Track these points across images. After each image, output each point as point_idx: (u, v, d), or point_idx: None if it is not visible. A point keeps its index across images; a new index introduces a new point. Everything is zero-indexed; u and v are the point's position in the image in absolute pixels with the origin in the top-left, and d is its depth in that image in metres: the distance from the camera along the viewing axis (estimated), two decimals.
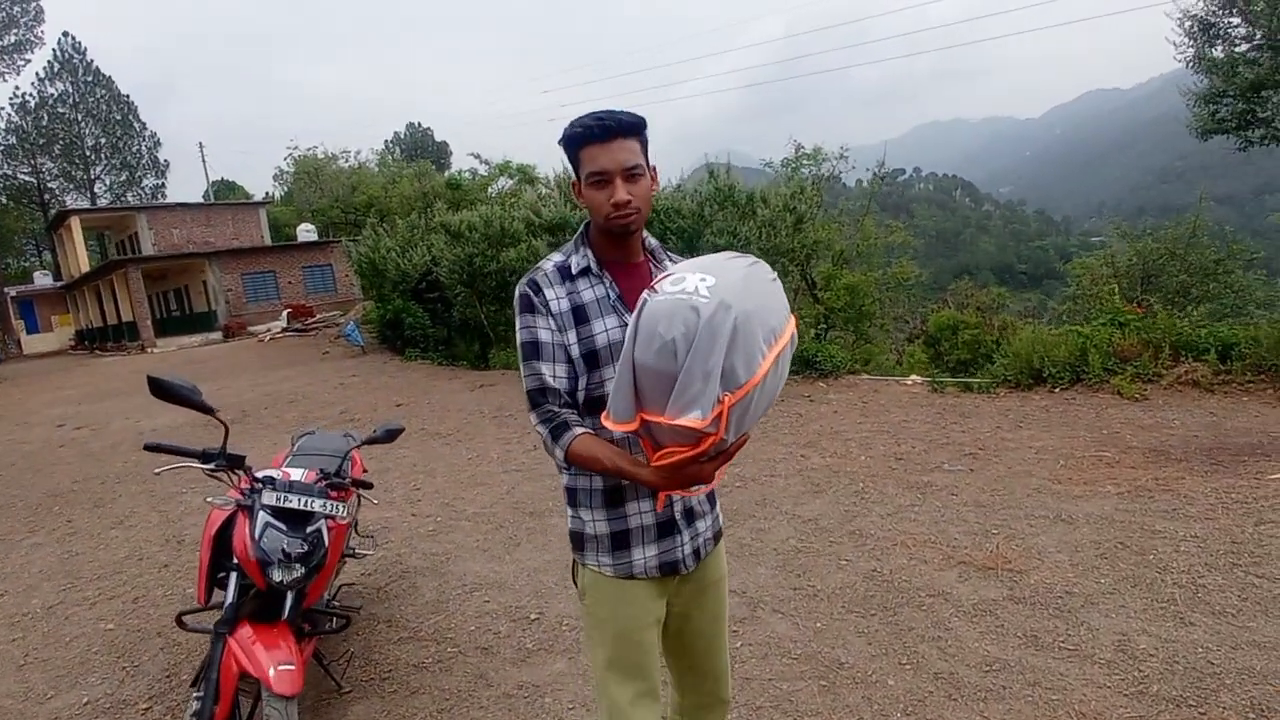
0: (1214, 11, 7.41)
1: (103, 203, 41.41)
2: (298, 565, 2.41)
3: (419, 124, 54.11)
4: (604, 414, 1.36)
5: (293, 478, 2.70)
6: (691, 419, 1.20)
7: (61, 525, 5.73)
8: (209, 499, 2.50)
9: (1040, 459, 5.16)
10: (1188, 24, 7.58)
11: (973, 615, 3.15)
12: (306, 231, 28.84)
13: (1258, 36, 7.32)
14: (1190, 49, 7.64)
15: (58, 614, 4.06)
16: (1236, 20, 7.34)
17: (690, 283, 1.26)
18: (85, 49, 44.50)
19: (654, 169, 1.56)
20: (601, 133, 1.45)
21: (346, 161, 31.01)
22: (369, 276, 16.33)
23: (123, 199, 43.52)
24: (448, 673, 3.14)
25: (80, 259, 30.76)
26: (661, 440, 1.30)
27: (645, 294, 1.32)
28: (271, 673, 2.20)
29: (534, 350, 1.51)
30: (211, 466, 2.42)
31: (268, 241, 30.75)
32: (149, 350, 23.99)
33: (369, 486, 2.98)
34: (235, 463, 2.45)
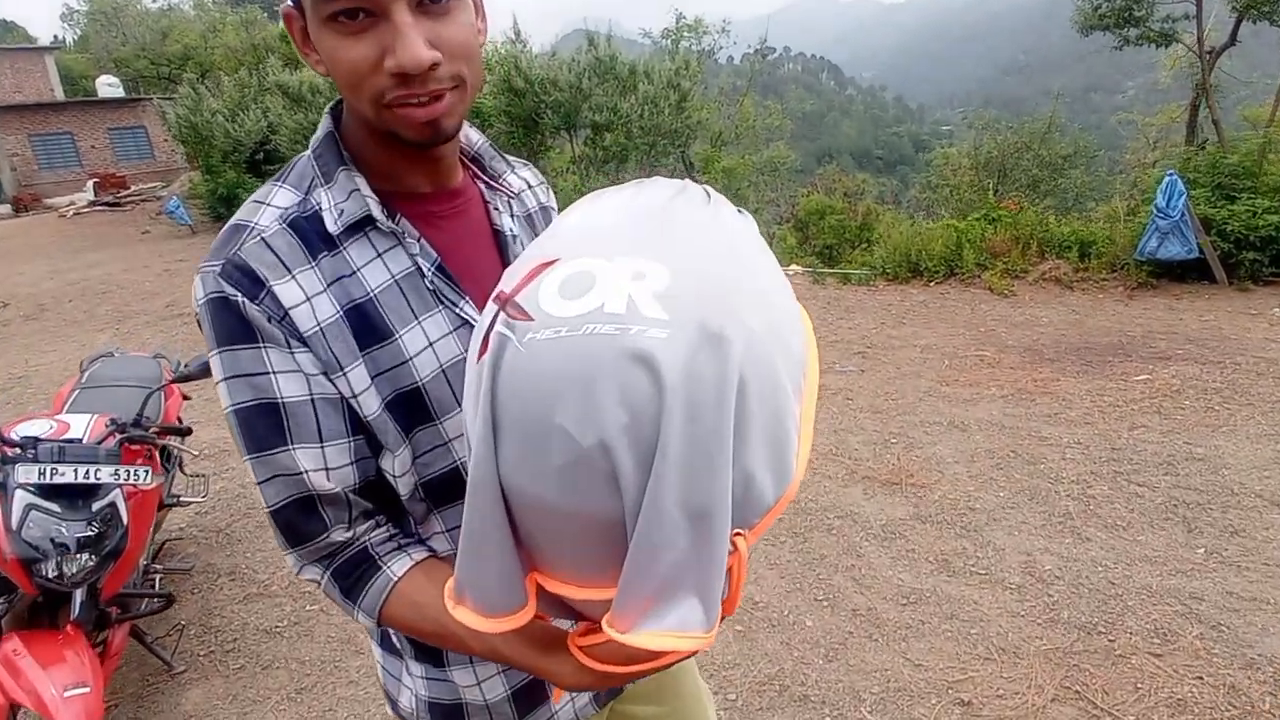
0: None
1: None
2: (85, 555, 1.81)
3: None
4: (450, 595, 0.65)
5: (71, 432, 2.04)
6: (683, 629, 0.54)
7: None
8: None
9: (926, 358, 5.16)
10: None
11: (883, 538, 3.04)
12: (109, 85, 24.45)
13: None
14: None
15: None
16: None
17: (610, 289, 0.54)
18: None
19: None
20: None
21: (154, 1, 26.26)
22: (192, 143, 14.15)
23: None
24: (308, 638, 2.68)
25: None
26: (589, 611, 0.65)
27: (499, 323, 0.57)
28: (56, 700, 1.66)
29: (269, 427, 0.71)
30: None
31: (60, 96, 25.96)
32: None
33: (184, 433, 2.35)
34: None
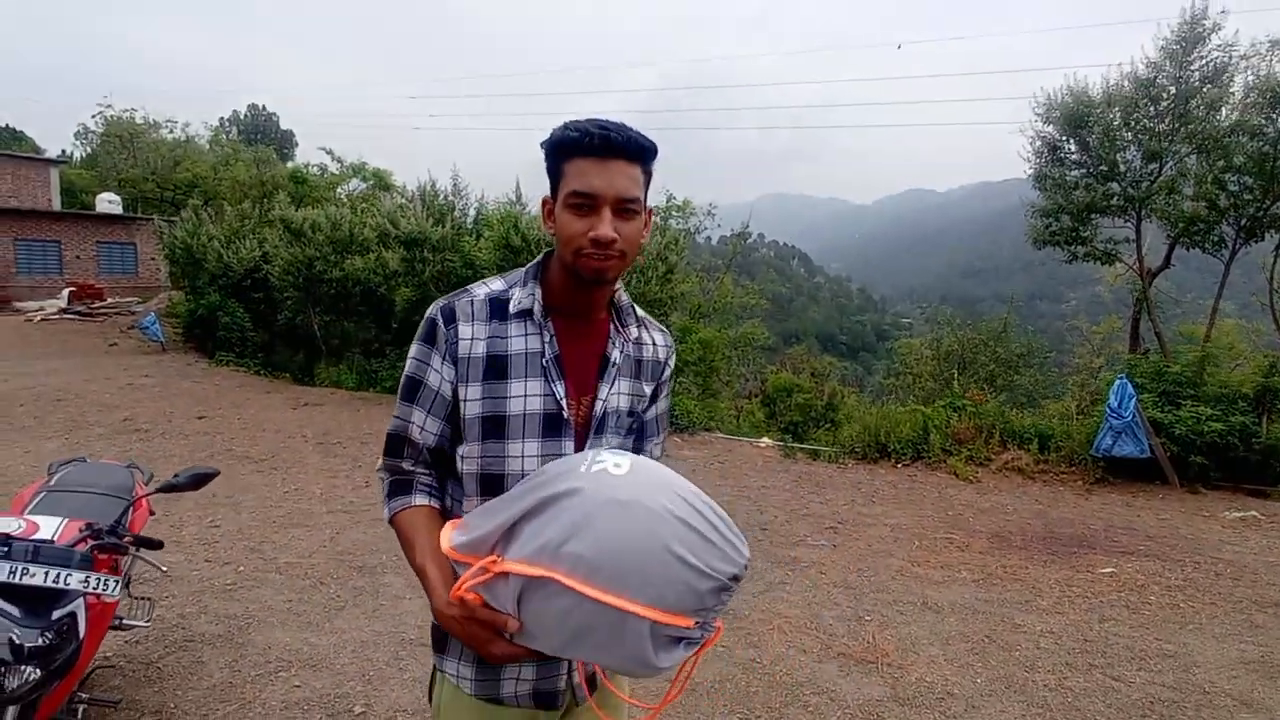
0: (1059, 137, 8.29)
1: None
2: (29, 667, 1.68)
3: (262, 106, 49.48)
4: (450, 525, 1.14)
5: (40, 533, 1.96)
6: (459, 546, 1.05)
7: None
8: None
9: (897, 538, 5.19)
10: (1037, 144, 8.44)
11: None
12: (109, 202, 25.07)
13: (1089, 164, 8.25)
14: (1035, 166, 8.49)
15: None
16: (1074, 148, 8.25)
17: (603, 459, 1.04)
18: None
19: (650, 212, 1.22)
20: (602, 145, 1.10)
21: (171, 133, 27.61)
22: (182, 264, 14.38)
23: None
24: None
25: None
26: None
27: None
28: None
29: (412, 390, 1.21)
30: None
31: (57, 206, 26.47)
32: None
33: (156, 546, 2.24)
34: None
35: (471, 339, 1.17)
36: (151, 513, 2.94)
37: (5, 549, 1.73)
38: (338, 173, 24.13)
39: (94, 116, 28.18)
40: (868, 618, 3.84)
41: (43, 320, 18.28)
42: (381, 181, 22.31)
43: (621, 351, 1.26)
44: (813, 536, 5.15)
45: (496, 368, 1.17)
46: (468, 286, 1.22)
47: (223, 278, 13.42)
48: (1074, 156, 8.38)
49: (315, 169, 25.45)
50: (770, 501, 5.99)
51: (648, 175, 1.17)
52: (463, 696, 1.24)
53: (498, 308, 1.19)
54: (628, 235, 1.13)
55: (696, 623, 0.95)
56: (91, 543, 1.95)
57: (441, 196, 12.41)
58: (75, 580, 1.78)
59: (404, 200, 13.18)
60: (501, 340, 1.18)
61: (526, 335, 1.19)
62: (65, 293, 20.66)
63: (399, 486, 1.23)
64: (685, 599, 0.93)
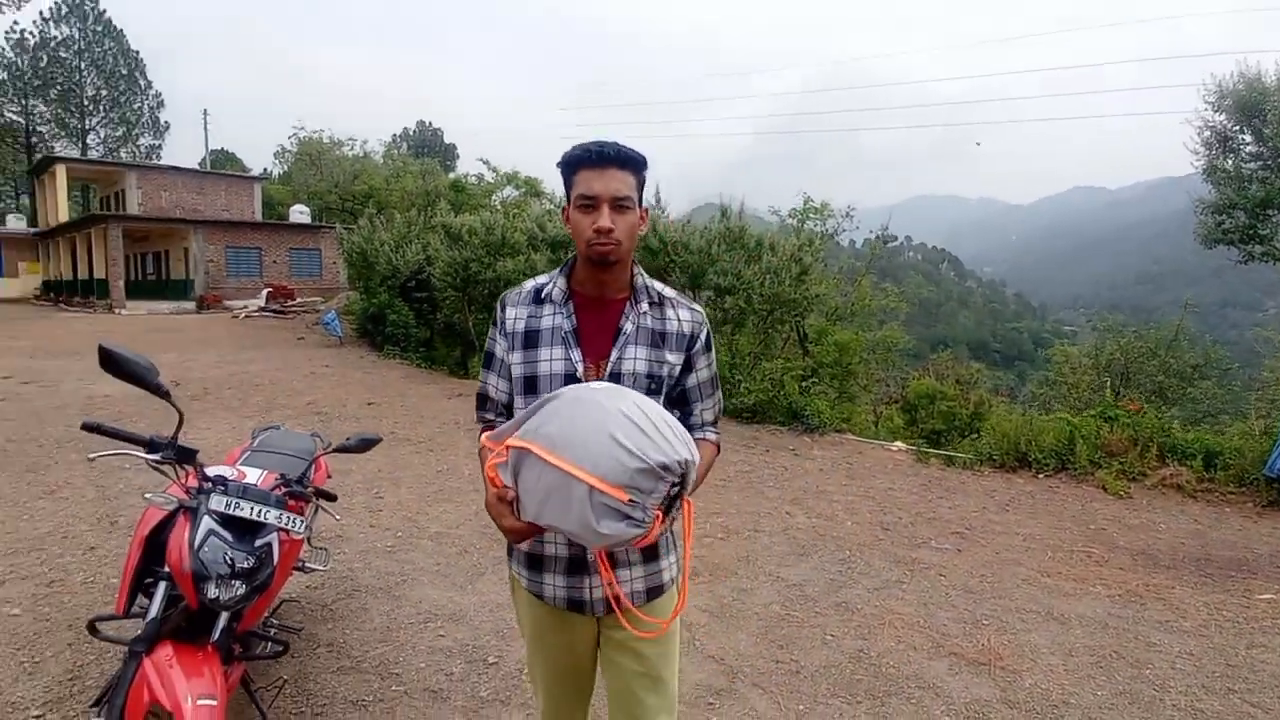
0: (1231, 127, 7.51)
1: (94, 155, 40.41)
2: (239, 583, 2.12)
3: (429, 123, 53.87)
4: (493, 432, 1.50)
5: (248, 479, 2.43)
6: (490, 435, 1.48)
7: None
8: (147, 495, 2.21)
9: (1028, 548, 4.99)
10: (1206, 134, 7.68)
11: (965, 718, 2.93)
12: (300, 213, 28.34)
13: (1266, 155, 7.41)
14: (1205, 158, 7.73)
15: None
16: (1249, 137, 7.44)
17: (595, 385, 1.42)
18: None
19: (645, 210, 1.57)
20: (598, 158, 1.47)
21: (351, 150, 30.68)
22: (358, 267, 15.97)
23: (115, 154, 42.57)
24: (389, 716, 2.84)
25: (60, 208, 29.81)
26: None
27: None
28: (188, 706, 1.90)
29: (488, 360, 1.68)
30: (157, 458, 2.14)
31: (258, 217, 30.16)
32: (117, 311, 23.25)
33: (332, 499, 2.70)
34: (185, 456, 2.17)
35: (514, 319, 1.61)
36: (329, 476, 3.47)
37: (224, 487, 2.19)
38: (493, 181, 25.75)
39: (290, 138, 31.82)
40: (985, 622, 3.78)
41: (246, 317, 20.96)
42: (532, 188, 23.58)
43: (634, 324, 1.58)
44: (936, 540, 5.06)
45: (530, 340, 1.58)
46: (523, 283, 1.66)
47: (391, 279, 14.77)
48: (1249, 147, 7.54)
49: (473, 178, 27.33)
50: (895, 503, 5.91)
51: (640, 181, 1.52)
52: (523, 590, 1.70)
53: (536, 295, 1.62)
54: (623, 226, 1.49)
55: (630, 500, 1.20)
56: (284, 490, 2.40)
57: None
58: (272, 516, 2.21)
59: (552, 205, 13.94)
60: (535, 319, 1.59)
61: (554, 315, 1.58)
62: (264, 293, 23.53)
63: (484, 427, 1.69)
64: (616, 473, 1.21)
